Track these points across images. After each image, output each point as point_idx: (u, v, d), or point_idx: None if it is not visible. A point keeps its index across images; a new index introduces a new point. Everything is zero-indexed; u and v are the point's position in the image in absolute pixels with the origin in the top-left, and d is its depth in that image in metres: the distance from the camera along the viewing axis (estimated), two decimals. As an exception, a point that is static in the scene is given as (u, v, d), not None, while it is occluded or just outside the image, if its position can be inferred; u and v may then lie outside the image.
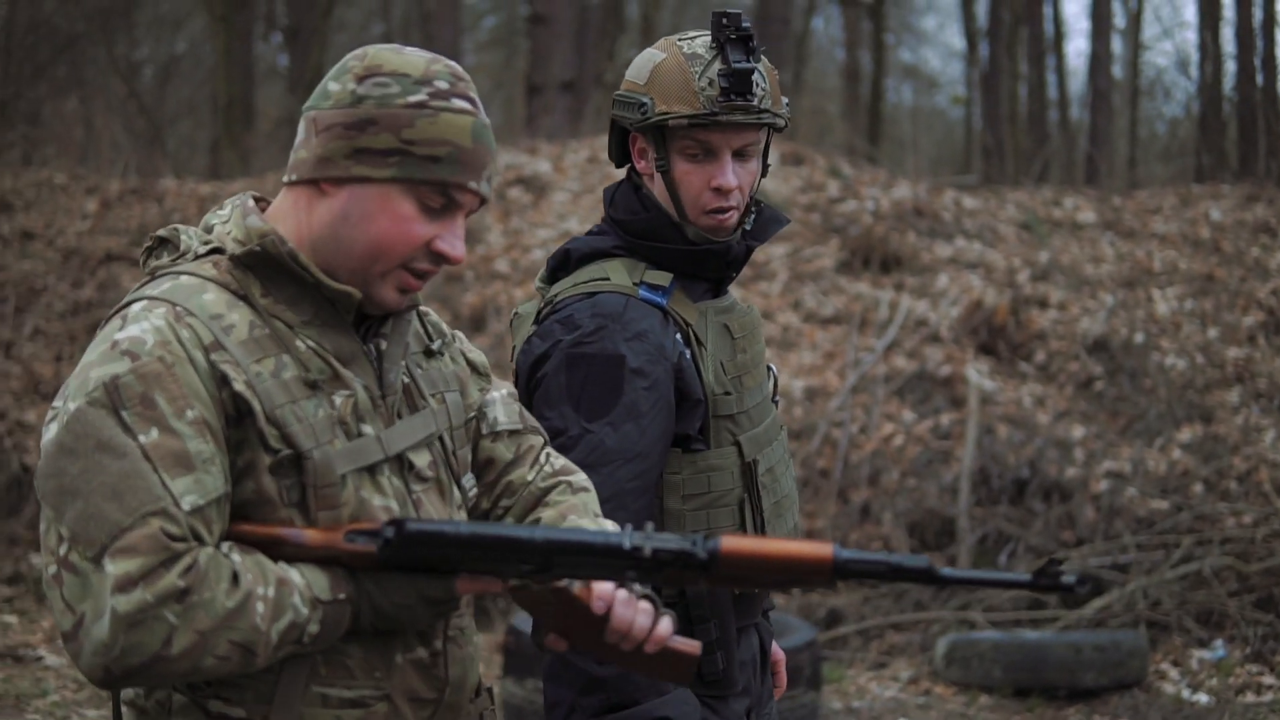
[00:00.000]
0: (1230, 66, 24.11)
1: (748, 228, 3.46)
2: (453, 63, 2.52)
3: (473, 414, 2.73)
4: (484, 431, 2.74)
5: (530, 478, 2.76)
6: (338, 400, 2.40)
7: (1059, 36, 27.32)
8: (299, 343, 2.40)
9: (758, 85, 3.30)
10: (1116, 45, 26.51)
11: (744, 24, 3.32)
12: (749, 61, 3.29)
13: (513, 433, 2.77)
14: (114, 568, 2.15)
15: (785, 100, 3.44)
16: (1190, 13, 50.00)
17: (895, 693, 8.84)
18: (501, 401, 2.79)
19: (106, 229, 14.29)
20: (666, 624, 2.46)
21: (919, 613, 9.73)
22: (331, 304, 2.44)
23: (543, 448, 2.81)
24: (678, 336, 3.27)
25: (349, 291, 2.41)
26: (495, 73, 30.22)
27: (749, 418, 3.35)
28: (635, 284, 3.31)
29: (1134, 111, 26.04)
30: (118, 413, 2.22)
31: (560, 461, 2.82)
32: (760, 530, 3.32)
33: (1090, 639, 8.62)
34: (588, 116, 18.08)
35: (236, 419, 2.31)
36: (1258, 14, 22.78)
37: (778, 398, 3.58)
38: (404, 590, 2.35)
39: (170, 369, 2.27)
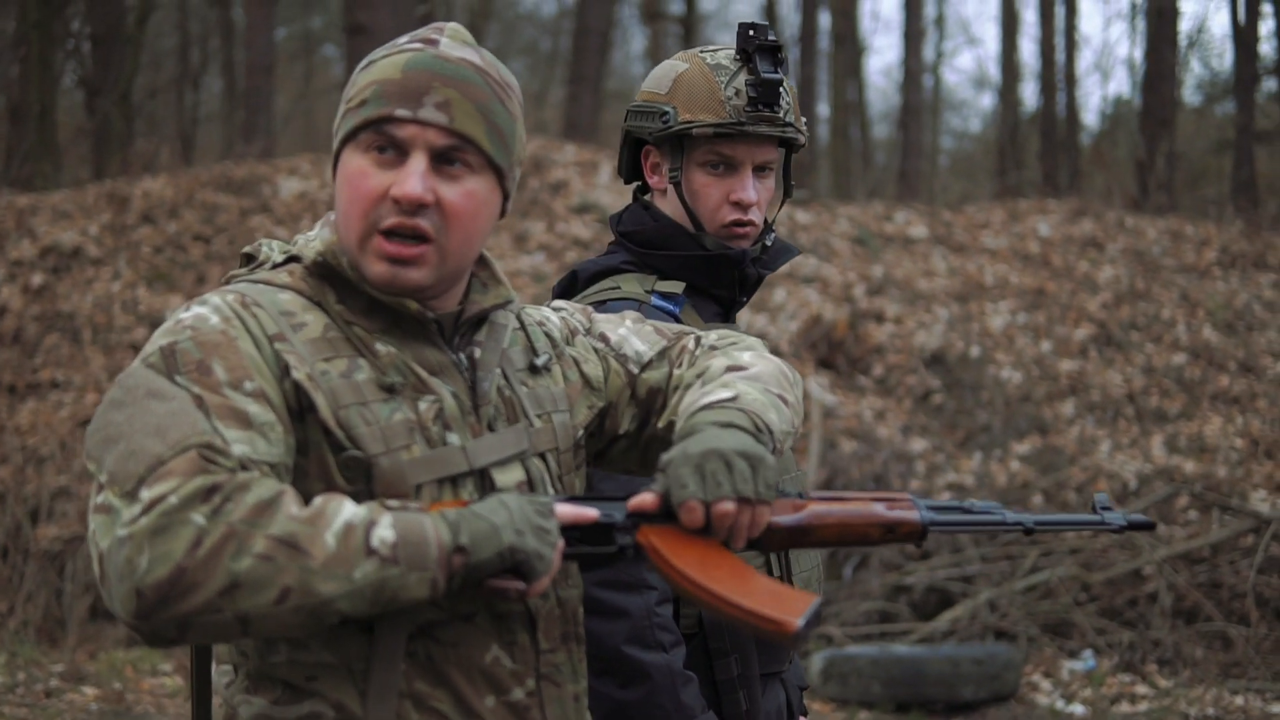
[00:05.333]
0: (1024, 80, 24.75)
1: (768, 243, 3.34)
2: (453, 24, 2.39)
3: (591, 424, 2.56)
4: (635, 372, 2.58)
5: (685, 375, 2.56)
6: (422, 406, 2.24)
7: (859, 52, 27.70)
8: (380, 346, 2.25)
9: (783, 98, 3.22)
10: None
11: (771, 35, 3.23)
12: (777, 73, 3.20)
13: (662, 352, 2.61)
14: (148, 493, 1.96)
15: (804, 119, 3.35)
16: (986, 30, 51.22)
17: (767, 709, 8.81)
18: (631, 334, 2.63)
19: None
20: (767, 510, 2.26)
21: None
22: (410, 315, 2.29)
23: (697, 344, 2.62)
24: None
25: (403, 303, 2.26)
26: (297, 84, 29.74)
27: None
28: (647, 292, 3.20)
29: (935, 125, 26.51)
30: (171, 376, 2.09)
31: (711, 338, 2.63)
32: (784, 558, 3.23)
33: (967, 653, 8.71)
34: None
35: (299, 413, 2.16)
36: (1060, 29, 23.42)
37: None
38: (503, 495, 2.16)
39: (232, 341, 2.14)
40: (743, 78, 3.21)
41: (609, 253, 3.37)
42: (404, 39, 2.33)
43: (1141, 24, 22.84)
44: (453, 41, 2.32)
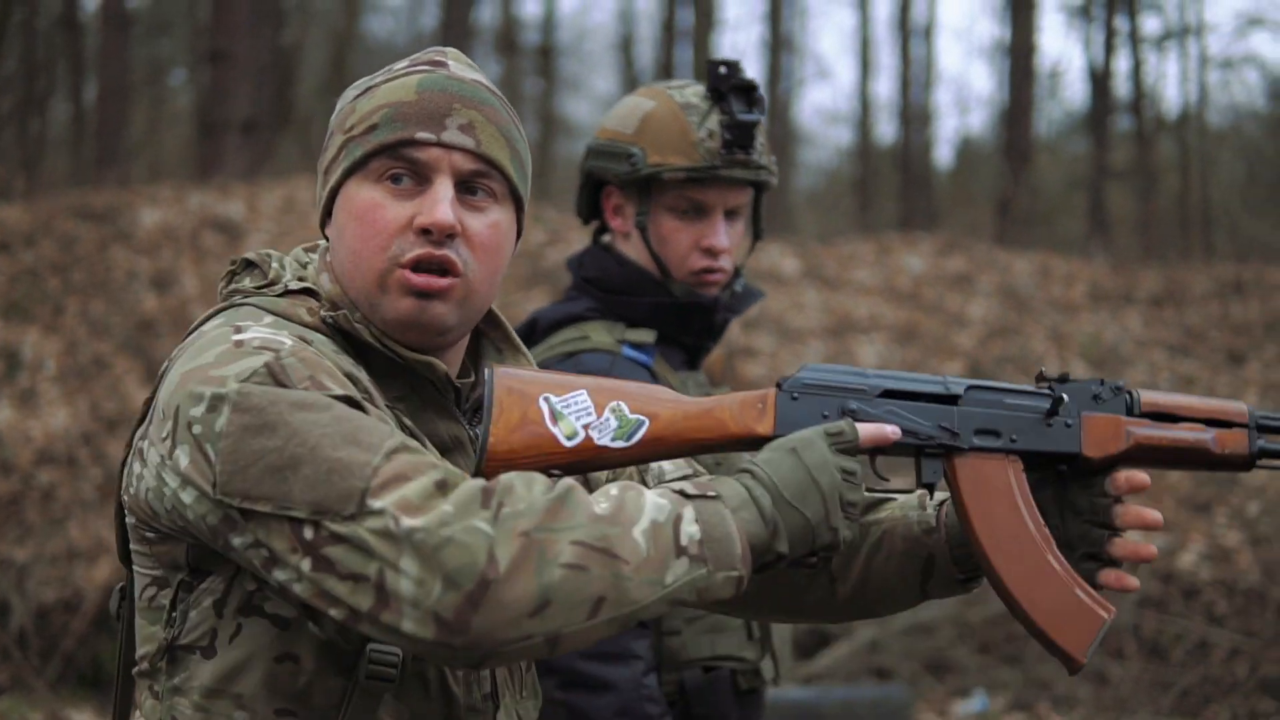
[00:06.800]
0: (881, 115, 24.97)
1: (737, 289, 3.21)
2: (452, 49, 2.19)
3: None
4: (650, 485, 2.30)
5: None
6: None
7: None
8: (397, 417, 2.03)
9: (756, 139, 3.08)
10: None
11: (744, 74, 3.09)
12: (753, 113, 3.06)
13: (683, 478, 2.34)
14: (387, 500, 1.74)
15: (773, 158, 3.21)
16: (840, 64, 51.72)
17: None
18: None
19: None
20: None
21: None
22: (430, 381, 2.07)
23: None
24: None
25: (429, 362, 2.04)
26: (146, 111, 29.19)
27: None
28: (618, 342, 3.06)
29: (789, 160, 26.65)
30: (289, 390, 1.85)
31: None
32: (765, 630, 3.12)
33: (862, 695, 8.62)
34: (281, 158, 17.57)
35: None
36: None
37: None
38: (805, 437, 1.97)
39: (322, 359, 1.91)
40: (715, 118, 3.07)
41: (569, 299, 3.22)
42: (402, 64, 2.14)
43: (1001, 61, 23.15)
44: (459, 64, 2.13)
